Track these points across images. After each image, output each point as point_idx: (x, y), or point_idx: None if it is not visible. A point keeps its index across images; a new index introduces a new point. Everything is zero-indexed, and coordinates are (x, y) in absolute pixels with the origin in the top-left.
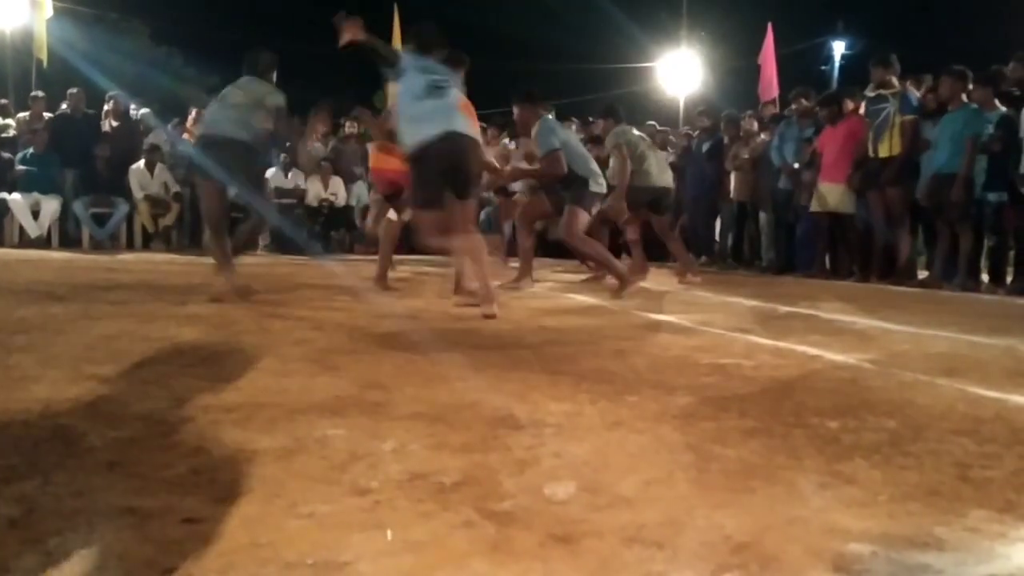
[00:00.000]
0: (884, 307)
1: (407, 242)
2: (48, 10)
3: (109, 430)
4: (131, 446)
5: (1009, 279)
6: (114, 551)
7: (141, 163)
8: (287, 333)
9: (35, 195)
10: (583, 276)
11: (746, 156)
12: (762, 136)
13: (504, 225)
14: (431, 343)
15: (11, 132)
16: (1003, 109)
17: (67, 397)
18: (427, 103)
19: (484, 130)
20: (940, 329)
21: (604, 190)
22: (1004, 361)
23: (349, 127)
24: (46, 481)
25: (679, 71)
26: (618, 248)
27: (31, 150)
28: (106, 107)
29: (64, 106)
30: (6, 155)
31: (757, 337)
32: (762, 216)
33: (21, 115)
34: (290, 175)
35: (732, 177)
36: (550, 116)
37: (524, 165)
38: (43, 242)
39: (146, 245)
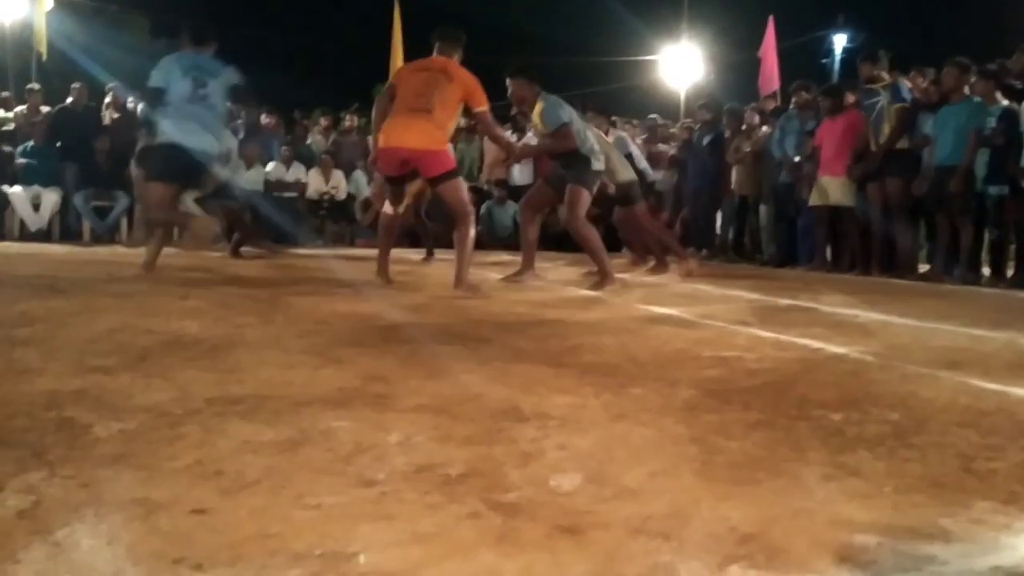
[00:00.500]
0: (885, 300)
1: (408, 236)
2: (48, 3)
3: (114, 422)
4: (137, 438)
5: (1010, 273)
6: (123, 542)
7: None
8: (290, 326)
9: (35, 188)
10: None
11: (748, 149)
12: (764, 129)
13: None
14: (433, 336)
15: (11, 125)
16: (1005, 102)
17: (71, 389)
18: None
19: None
20: (942, 322)
21: (603, 167)
22: (1006, 354)
23: (349, 120)
24: (53, 473)
25: (680, 64)
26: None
27: (31, 143)
28: (106, 100)
29: (69, 100)
30: (7, 148)
31: (759, 330)
32: (762, 209)
33: (19, 108)
34: (291, 168)
35: (734, 171)
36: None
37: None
38: (43, 235)
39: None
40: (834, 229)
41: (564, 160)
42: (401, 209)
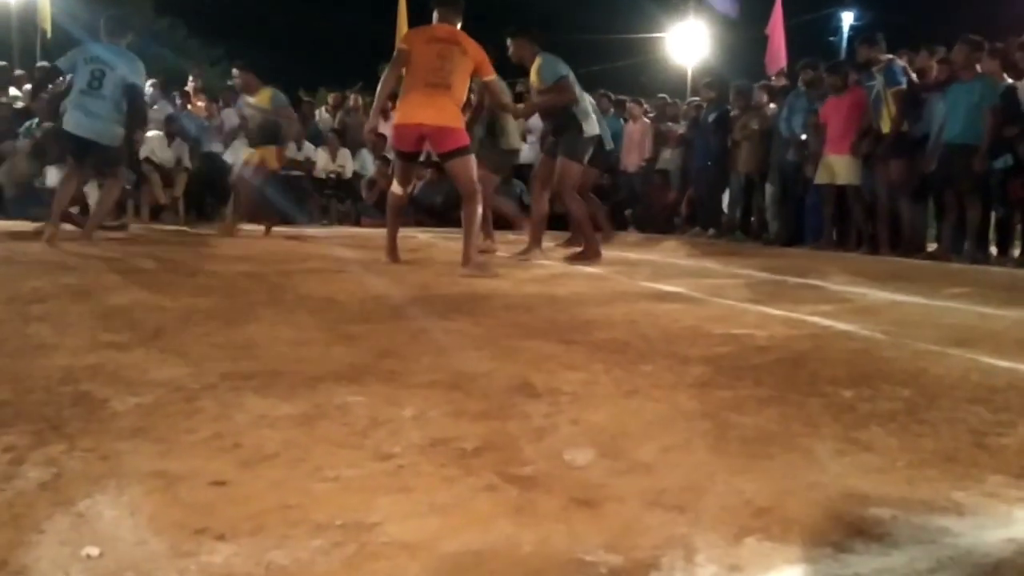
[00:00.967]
0: (894, 279)
1: (415, 214)
2: None
3: (131, 396)
4: (154, 412)
5: (1017, 252)
6: (145, 513)
7: (160, 132)
8: (300, 303)
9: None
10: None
11: (755, 127)
12: (772, 107)
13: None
14: (443, 313)
15: (20, 104)
16: (1009, 81)
17: (87, 364)
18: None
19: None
20: (950, 300)
21: (596, 132)
22: (1015, 332)
23: (354, 100)
24: (72, 446)
25: (687, 41)
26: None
27: (36, 120)
28: None
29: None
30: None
31: (768, 308)
32: (768, 188)
33: (27, 87)
34: (301, 148)
35: (741, 148)
36: None
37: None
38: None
39: (155, 216)
40: (840, 207)
41: (555, 125)
42: (409, 188)
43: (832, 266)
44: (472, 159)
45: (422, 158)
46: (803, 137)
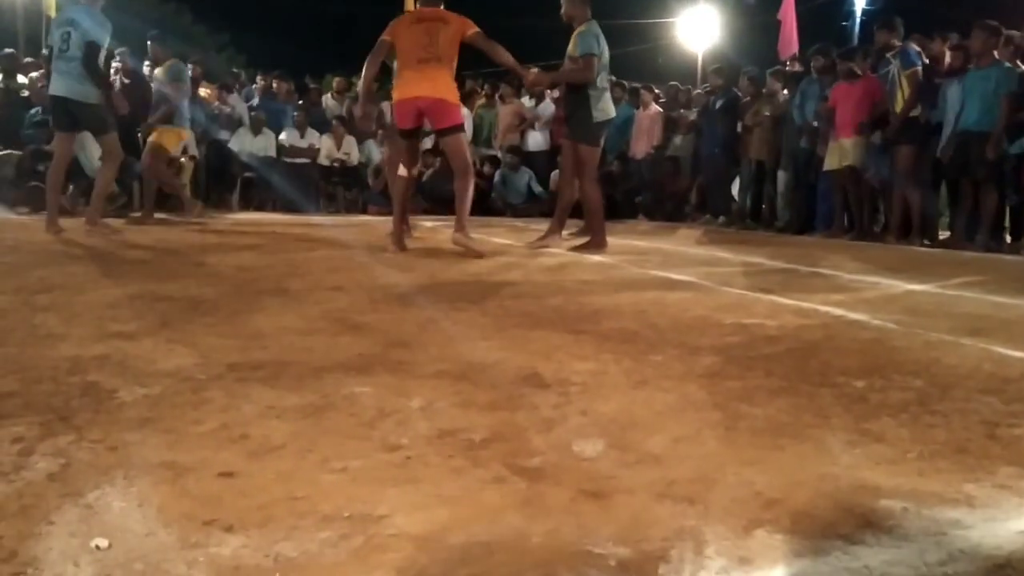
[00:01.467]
0: (906, 267)
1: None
2: None
3: (138, 387)
4: (161, 402)
5: None
6: (154, 504)
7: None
8: (307, 293)
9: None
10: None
11: (767, 114)
12: (784, 93)
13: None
14: (451, 302)
15: (26, 92)
16: (1022, 67)
17: (94, 355)
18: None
19: (495, 89)
20: (964, 289)
21: (610, 115)
22: None
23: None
24: (81, 437)
25: (698, 27)
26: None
27: (39, 109)
28: (115, 65)
29: None
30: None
31: (779, 297)
32: (780, 175)
33: (34, 74)
34: (305, 134)
35: (753, 135)
36: None
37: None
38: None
39: (160, 205)
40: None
41: (568, 107)
42: (415, 171)
43: (844, 255)
44: (464, 137)
45: (429, 146)
46: (815, 124)
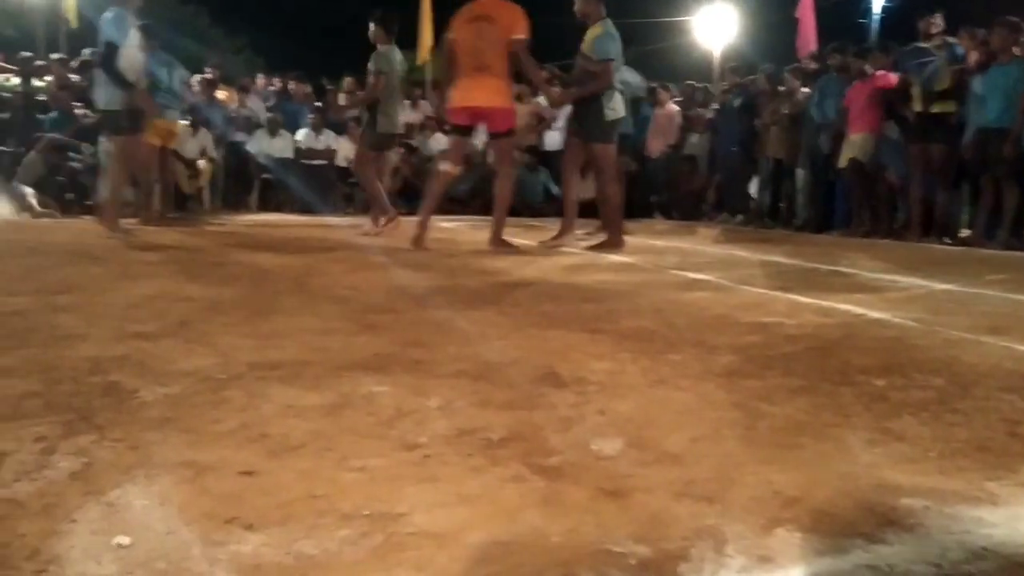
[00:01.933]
0: (926, 265)
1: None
2: None
3: (159, 387)
4: (182, 402)
5: None
6: (175, 502)
7: (184, 122)
8: (325, 292)
9: None
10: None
11: (786, 111)
12: (804, 91)
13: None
14: (469, 302)
15: (44, 95)
16: None
17: (115, 355)
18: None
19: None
20: (984, 288)
21: (621, 114)
22: None
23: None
24: (102, 436)
25: (714, 25)
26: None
27: (55, 113)
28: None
29: None
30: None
31: (799, 296)
32: (799, 173)
33: (49, 78)
34: (321, 136)
35: (770, 133)
36: None
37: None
38: None
39: (180, 207)
40: (870, 193)
41: (579, 106)
42: (459, 170)
43: (863, 253)
44: (513, 142)
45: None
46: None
